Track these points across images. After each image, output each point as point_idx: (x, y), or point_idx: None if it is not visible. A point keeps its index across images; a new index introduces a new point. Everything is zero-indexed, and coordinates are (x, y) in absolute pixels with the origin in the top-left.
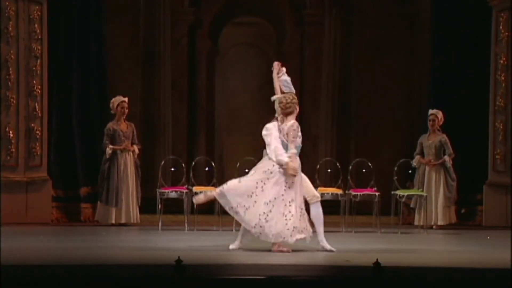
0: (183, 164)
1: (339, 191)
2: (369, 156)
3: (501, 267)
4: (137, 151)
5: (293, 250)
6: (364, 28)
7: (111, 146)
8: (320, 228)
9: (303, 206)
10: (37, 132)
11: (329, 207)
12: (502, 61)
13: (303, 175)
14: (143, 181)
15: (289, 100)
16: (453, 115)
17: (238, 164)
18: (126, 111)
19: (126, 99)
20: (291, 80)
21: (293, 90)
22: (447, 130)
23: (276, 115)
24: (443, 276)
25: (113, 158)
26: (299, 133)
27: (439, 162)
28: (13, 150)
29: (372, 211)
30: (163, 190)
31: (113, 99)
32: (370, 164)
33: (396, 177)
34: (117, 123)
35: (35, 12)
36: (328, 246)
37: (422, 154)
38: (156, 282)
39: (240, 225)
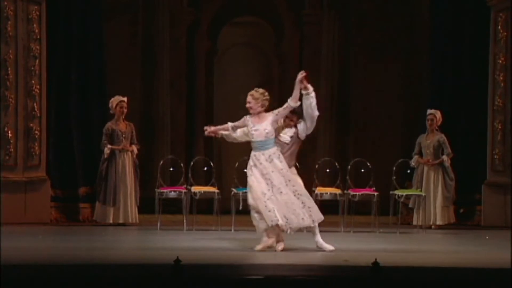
0: (182, 164)
1: (338, 191)
2: (367, 156)
3: (500, 267)
4: (135, 151)
5: (292, 250)
6: (363, 29)
7: (109, 146)
8: (317, 229)
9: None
10: (36, 132)
11: (328, 206)
12: (500, 61)
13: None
14: (142, 181)
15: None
16: (452, 115)
17: (236, 164)
18: (125, 110)
19: (125, 98)
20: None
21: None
22: (445, 130)
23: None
24: (442, 276)
25: (112, 158)
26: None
27: (437, 162)
28: (12, 150)
29: (370, 211)
30: (162, 190)
31: (112, 99)
32: (368, 164)
33: (394, 177)
34: (116, 123)
35: (33, 12)
36: (325, 245)
37: (420, 154)
38: (154, 282)
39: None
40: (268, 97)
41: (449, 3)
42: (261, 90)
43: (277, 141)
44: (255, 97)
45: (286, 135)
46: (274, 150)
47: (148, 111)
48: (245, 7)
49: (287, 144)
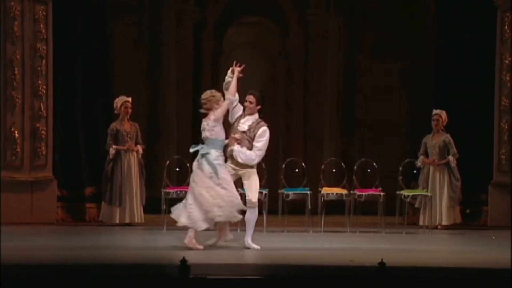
0: (188, 164)
1: (344, 191)
2: (373, 156)
3: (506, 267)
4: (141, 151)
5: (295, 250)
6: (368, 28)
7: (114, 146)
8: (249, 231)
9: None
10: (42, 132)
11: (334, 207)
12: (507, 61)
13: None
14: (148, 181)
15: (204, 96)
16: (457, 115)
17: None
18: (130, 111)
19: (129, 99)
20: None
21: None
22: (451, 130)
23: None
24: (448, 276)
25: (117, 158)
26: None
27: (443, 162)
28: (18, 150)
29: (377, 211)
30: (168, 190)
31: (117, 99)
32: (375, 164)
33: (400, 177)
34: (121, 123)
35: (40, 12)
36: (252, 245)
37: (426, 154)
38: (161, 282)
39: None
40: (216, 96)
41: (455, 2)
42: (211, 91)
43: (235, 129)
44: (204, 97)
45: (245, 124)
46: (204, 149)
47: (154, 111)
48: (251, 7)
49: (245, 134)
